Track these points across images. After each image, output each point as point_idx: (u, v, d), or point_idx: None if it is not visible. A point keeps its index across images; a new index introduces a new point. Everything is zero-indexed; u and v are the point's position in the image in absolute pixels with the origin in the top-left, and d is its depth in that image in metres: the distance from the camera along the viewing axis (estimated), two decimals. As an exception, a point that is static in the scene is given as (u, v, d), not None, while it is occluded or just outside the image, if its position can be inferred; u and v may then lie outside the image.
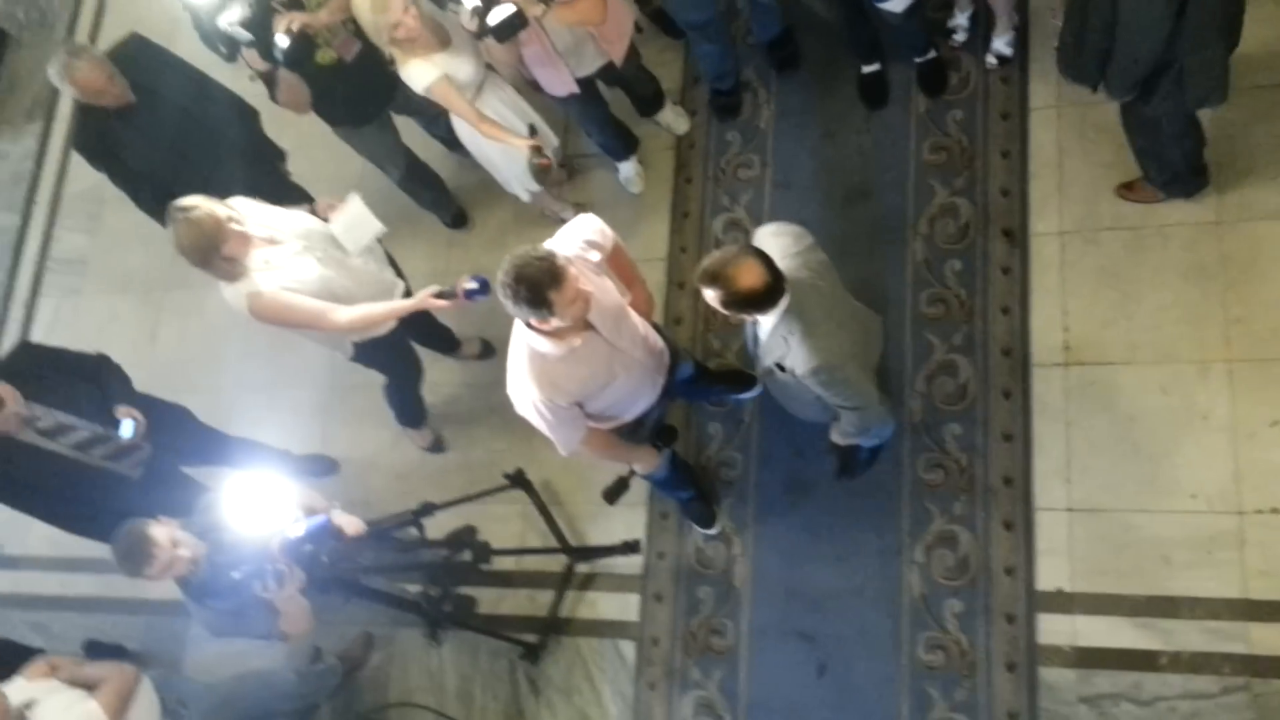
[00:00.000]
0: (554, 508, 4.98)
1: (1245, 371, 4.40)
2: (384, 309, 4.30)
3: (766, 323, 3.51)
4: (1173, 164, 4.44)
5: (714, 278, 3.32)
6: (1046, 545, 4.46)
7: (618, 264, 3.93)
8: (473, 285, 3.92)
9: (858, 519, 4.69)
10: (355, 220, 4.38)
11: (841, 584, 4.65)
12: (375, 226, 4.43)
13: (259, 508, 3.71)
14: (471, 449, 5.38)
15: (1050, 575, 4.43)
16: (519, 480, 4.86)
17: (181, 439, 4.85)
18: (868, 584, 4.62)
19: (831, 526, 4.72)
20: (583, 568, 5.00)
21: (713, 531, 4.88)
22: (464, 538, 4.47)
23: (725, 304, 3.37)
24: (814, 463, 4.77)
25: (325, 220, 4.38)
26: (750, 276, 3.29)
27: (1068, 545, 4.43)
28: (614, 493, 4.31)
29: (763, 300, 3.36)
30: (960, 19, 5.06)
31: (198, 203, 3.94)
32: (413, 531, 4.35)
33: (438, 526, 4.57)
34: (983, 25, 5.08)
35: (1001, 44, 5.01)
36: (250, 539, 3.72)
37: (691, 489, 4.78)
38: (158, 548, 3.75)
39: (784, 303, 3.41)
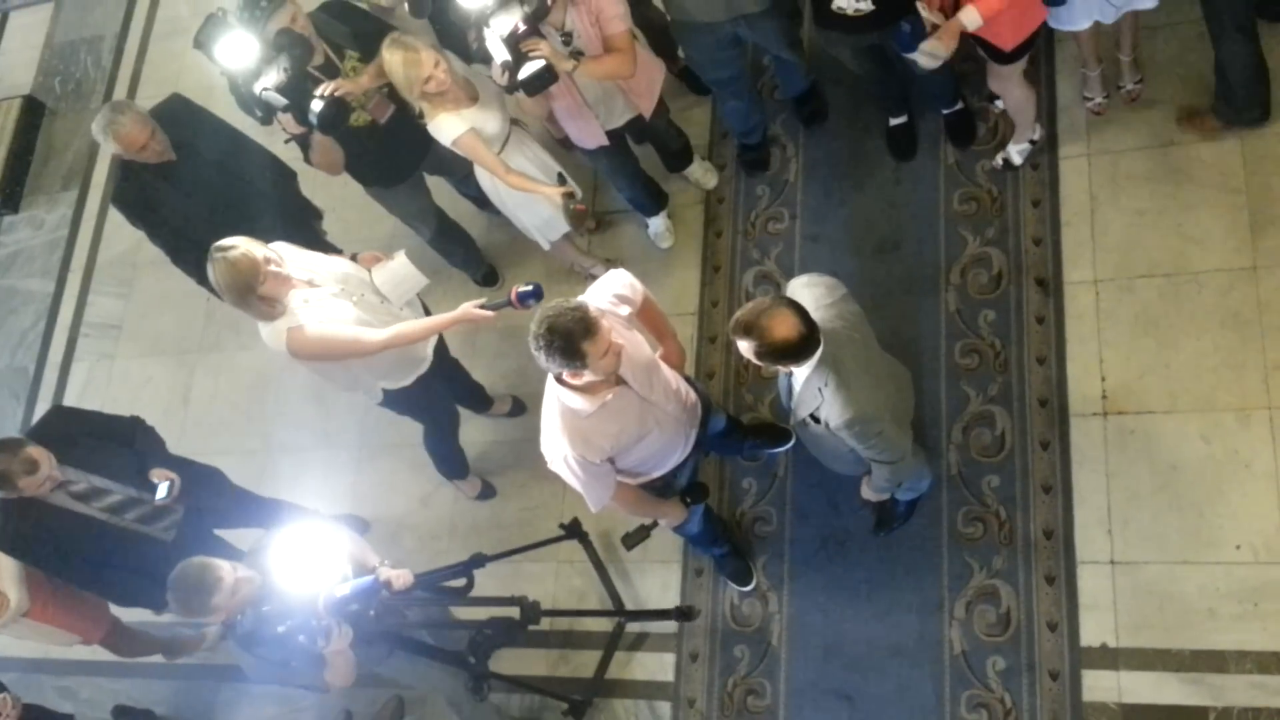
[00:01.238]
0: (586, 563, 4.92)
1: (1287, 419, 4.34)
2: (421, 325, 4.29)
3: (800, 374, 3.48)
4: (1231, 80, 4.48)
5: (748, 329, 3.30)
6: (1089, 599, 4.37)
7: (648, 318, 3.93)
8: (526, 289, 3.91)
9: (896, 574, 4.62)
10: (401, 276, 4.42)
11: (881, 641, 4.57)
12: (420, 281, 4.48)
13: (306, 564, 3.67)
14: (504, 507, 5.35)
15: (1094, 630, 4.34)
16: (574, 531, 4.75)
17: (214, 501, 4.85)
18: (907, 641, 4.54)
19: (869, 582, 4.65)
20: (631, 628, 4.89)
21: (748, 588, 4.81)
22: (514, 597, 4.38)
23: (759, 355, 3.35)
24: (850, 517, 4.72)
25: (368, 270, 4.43)
26: (784, 327, 3.27)
27: (1111, 599, 4.35)
28: (634, 539, 4.24)
29: (797, 351, 3.34)
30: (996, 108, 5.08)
31: (236, 243, 3.97)
32: (460, 585, 4.28)
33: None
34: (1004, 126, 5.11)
35: (1014, 151, 4.99)
36: (297, 594, 3.69)
37: (726, 545, 4.73)
38: (222, 571, 3.69)
39: (819, 354, 3.39)
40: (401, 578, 3.98)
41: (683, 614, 4.80)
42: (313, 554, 3.69)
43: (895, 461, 3.74)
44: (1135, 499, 4.42)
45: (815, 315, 3.39)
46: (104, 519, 4.43)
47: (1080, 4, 4.24)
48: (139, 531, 4.50)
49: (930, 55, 4.05)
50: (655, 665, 4.86)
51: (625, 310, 3.67)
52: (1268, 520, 4.24)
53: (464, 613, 4.45)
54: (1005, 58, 4.36)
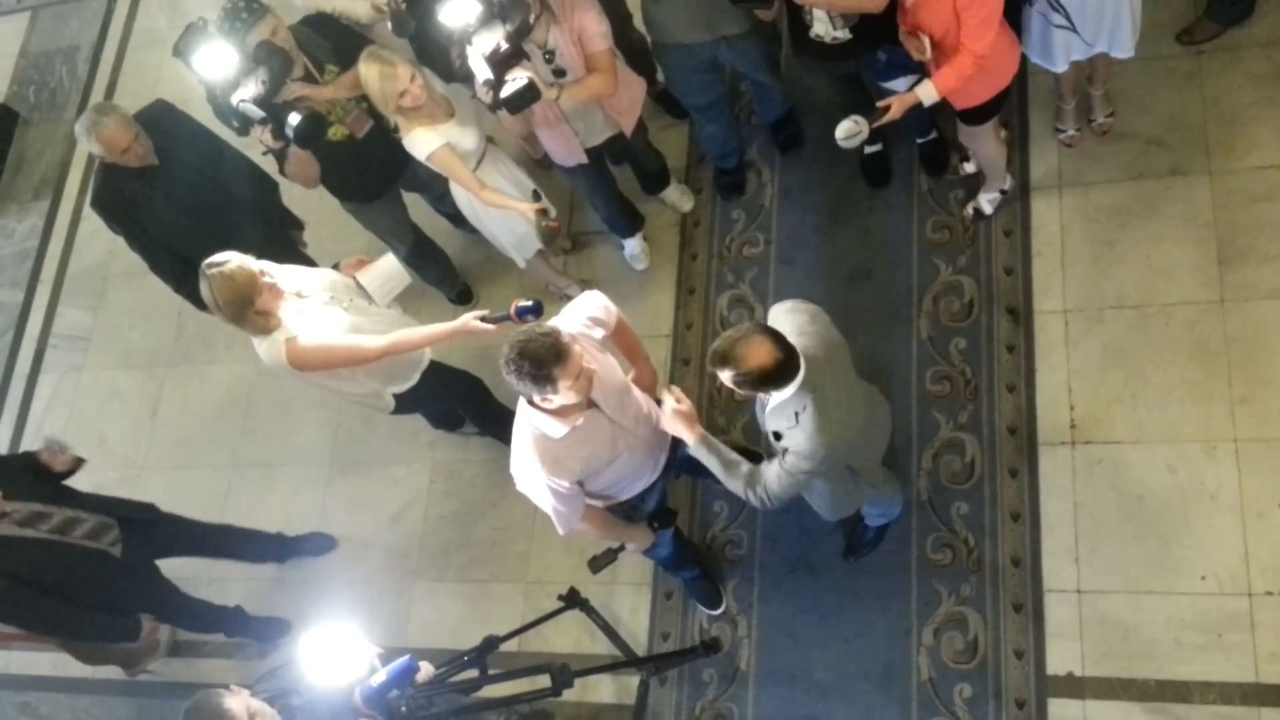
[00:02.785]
0: (551, 584, 4.88)
1: (1252, 451, 4.38)
2: (420, 334, 4.22)
3: (778, 398, 3.45)
4: None
5: (724, 358, 3.27)
6: (1056, 628, 4.39)
7: (622, 340, 3.92)
8: (526, 304, 3.87)
9: (865, 600, 4.63)
10: (386, 274, 4.44)
11: (849, 667, 4.57)
12: (404, 280, 4.51)
13: (338, 658, 3.49)
14: (474, 527, 5.33)
15: (1060, 659, 4.36)
16: (574, 600, 4.58)
17: (141, 512, 4.81)
18: (875, 667, 4.54)
19: (838, 607, 4.66)
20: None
21: (718, 612, 4.81)
22: (542, 664, 4.14)
23: (739, 384, 3.31)
24: (820, 542, 4.73)
25: (351, 277, 4.43)
26: (760, 354, 3.25)
27: (1078, 628, 4.37)
28: (601, 563, 4.21)
29: (775, 378, 3.31)
30: (969, 168, 5.13)
31: (229, 257, 3.93)
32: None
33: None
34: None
35: (984, 200, 5.03)
36: (328, 696, 3.50)
37: (696, 568, 4.72)
38: (233, 714, 3.42)
39: (799, 379, 3.37)
40: (424, 670, 3.88)
41: (709, 647, 4.66)
42: (342, 649, 3.53)
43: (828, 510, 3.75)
44: (1102, 528, 4.45)
45: (796, 342, 3.36)
46: (54, 539, 4.38)
47: (1060, 47, 4.30)
48: (89, 547, 4.45)
49: (848, 131, 4.15)
50: (622, 688, 4.83)
51: (599, 332, 3.67)
52: (1232, 551, 4.28)
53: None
54: (970, 118, 4.42)
